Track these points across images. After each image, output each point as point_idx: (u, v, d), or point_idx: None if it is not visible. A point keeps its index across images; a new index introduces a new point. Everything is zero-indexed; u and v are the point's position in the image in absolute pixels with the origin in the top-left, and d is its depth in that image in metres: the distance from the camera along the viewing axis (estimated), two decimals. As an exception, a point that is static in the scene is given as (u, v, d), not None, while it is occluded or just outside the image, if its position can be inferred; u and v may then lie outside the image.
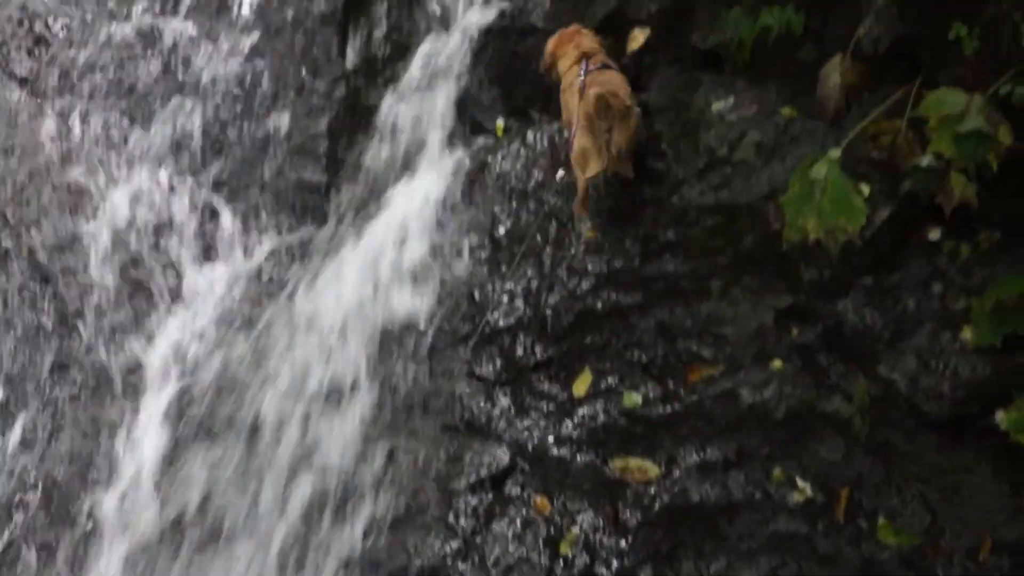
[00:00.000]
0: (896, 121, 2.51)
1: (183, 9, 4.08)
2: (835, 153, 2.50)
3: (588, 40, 3.11)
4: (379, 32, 3.73)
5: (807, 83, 2.79)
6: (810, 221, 2.50)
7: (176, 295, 3.63)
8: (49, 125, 4.02)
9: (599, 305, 2.87)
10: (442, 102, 3.57)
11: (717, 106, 2.93)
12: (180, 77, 3.94)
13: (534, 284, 2.99)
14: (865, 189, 2.54)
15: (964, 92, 2.35)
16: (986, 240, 2.49)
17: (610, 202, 3.00)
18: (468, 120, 3.55)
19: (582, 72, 2.98)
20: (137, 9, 4.19)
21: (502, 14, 3.59)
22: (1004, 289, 2.32)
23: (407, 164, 3.54)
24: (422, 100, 3.60)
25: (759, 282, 2.73)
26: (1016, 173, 2.43)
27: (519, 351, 2.91)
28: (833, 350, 2.58)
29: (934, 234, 2.55)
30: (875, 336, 2.51)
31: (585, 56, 3.04)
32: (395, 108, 3.63)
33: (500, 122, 3.51)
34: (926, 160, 2.40)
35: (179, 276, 3.67)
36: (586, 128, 2.81)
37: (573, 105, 2.94)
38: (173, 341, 3.49)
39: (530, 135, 3.32)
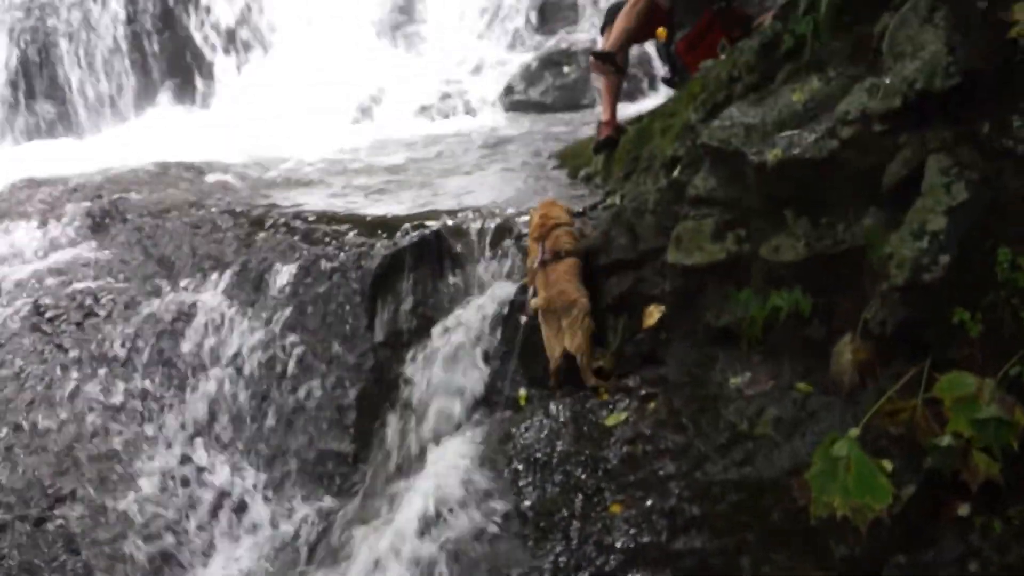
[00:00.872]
0: (911, 400, 2.56)
1: (222, 285, 4.29)
2: (855, 432, 2.53)
3: (556, 213, 3.61)
4: (405, 306, 3.88)
5: (818, 359, 2.87)
6: (836, 498, 2.49)
7: (206, 567, 3.60)
8: (90, 397, 4.15)
9: (629, 584, 2.80)
10: (465, 373, 3.66)
11: (734, 381, 3.00)
12: (216, 350, 4.09)
13: (562, 560, 2.93)
14: (888, 465, 2.54)
15: (974, 376, 2.42)
16: (1017, 516, 2.46)
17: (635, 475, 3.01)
18: (490, 390, 3.62)
19: (539, 258, 3.48)
20: (179, 285, 4.41)
21: (523, 288, 3.74)
22: (1042, 573, 2.26)
23: (432, 434, 3.58)
24: (446, 371, 3.69)
25: (789, 559, 2.67)
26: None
27: (550, 633, 2.81)
28: (876, 636, 2.48)
29: (963, 510, 2.51)
30: (918, 621, 2.43)
31: (543, 237, 3.50)
32: (420, 379, 3.72)
33: (522, 391, 3.57)
34: (946, 440, 2.42)
35: (210, 547, 3.65)
36: (543, 320, 3.42)
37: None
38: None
39: (552, 406, 3.37)
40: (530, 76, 7.92)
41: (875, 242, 2.72)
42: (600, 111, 4.88)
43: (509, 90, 7.89)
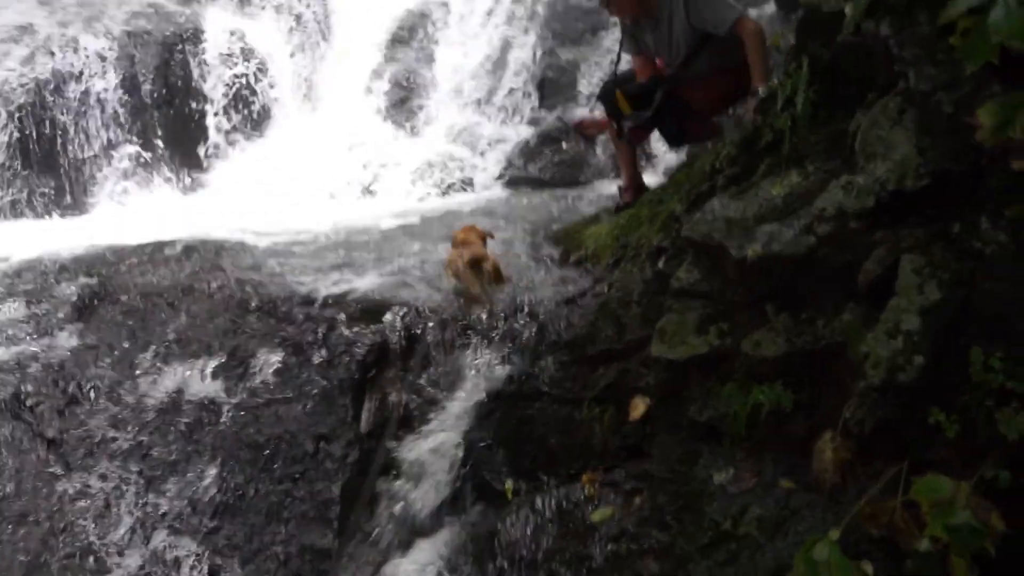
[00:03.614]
0: (891, 502, 2.64)
1: (208, 373, 4.41)
2: (834, 535, 2.61)
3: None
4: (393, 396, 4.00)
5: (801, 455, 2.95)
6: (818, 604, 2.57)
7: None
8: (69, 489, 4.23)
9: None
10: (451, 464, 3.75)
11: (718, 478, 3.09)
12: (200, 439, 4.19)
13: (546, 665, 2.99)
14: (868, 568, 2.61)
15: (950, 479, 2.51)
16: (999, 621, 2.52)
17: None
18: (476, 481, 3.70)
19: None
20: (165, 372, 4.53)
21: (510, 379, 3.87)
22: None
23: (417, 528, 3.66)
24: (432, 462, 3.79)
25: (776, 668, 2.73)
26: (1017, 546, 2.52)
27: None
28: None
29: (946, 615, 2.58)
30: None
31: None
32: (407, 471, 3.81)
33: (509, 484, 3.66)
34: (924, 545, 2.49)
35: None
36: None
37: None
38: None
39: (538, 500, 3.45)
40: (529, 152, 8.14)
41: (854, 339, 2.83)
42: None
43: (508, 165, 8.12)
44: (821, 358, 2.97)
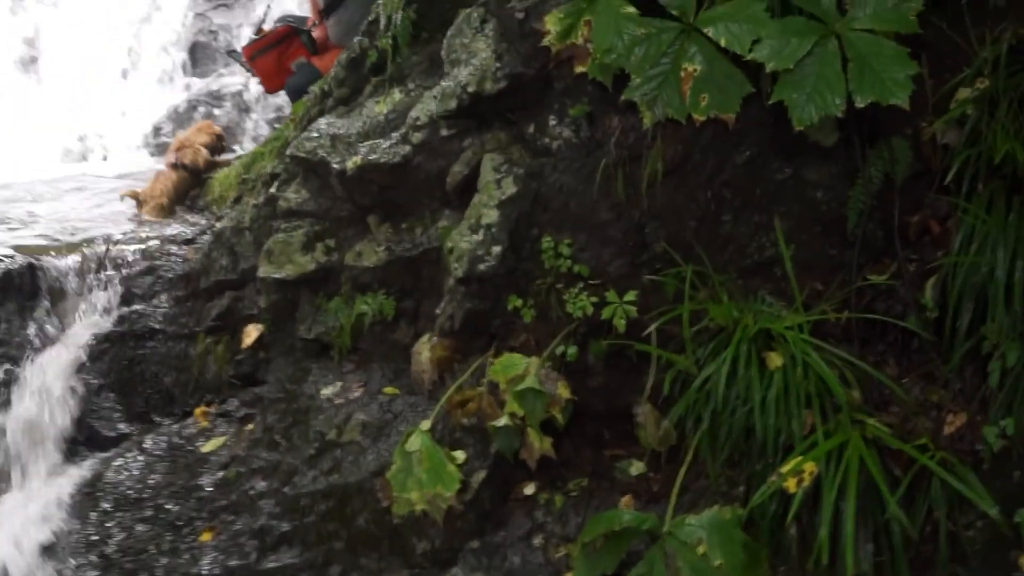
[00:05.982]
0: (478, 388, 2.82)
1: None
2: (426, 424, 2.78)
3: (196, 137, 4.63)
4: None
5: (405, 361, 3.08)
6: (413, 493, 2.71)
7: None
8: None
9: (215, 612, 2.82)
10: (57, 413, 3.50)
11: (325, 392, 3.14)
12: None
13: (146, 601, 2.89)
14: (460, 455, 2.79)
15: (524, 356, 2.73)
16: (575, 487, 2.78)
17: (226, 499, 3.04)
18: (85, 431, 3.49)
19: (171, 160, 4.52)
20: None
21: (120, 319, 3.67)
22: (588, 532, 2.56)
23: (20, 481, 3.39)
24: (37, 414, 3.51)
25: (376, 562, 2.82)
26: (589, 421, 2.80)
27: None
28: (449, 621, 2.67)
29: (529, 489, 2.80)
30: (486, 599, 2.65)
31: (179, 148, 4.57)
32: (7, 423, 3.51)
33: (121, 427, 3.49)
34: (503, 420, 2.70)
35: None
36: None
37: None
38: None
39: (148, 441, 3.33)
40: (179, 118, 7.84)
41: (446, 241, 2.99)
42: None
43: (157, 132, 7.78)
44: (420, 265, 3.11)
